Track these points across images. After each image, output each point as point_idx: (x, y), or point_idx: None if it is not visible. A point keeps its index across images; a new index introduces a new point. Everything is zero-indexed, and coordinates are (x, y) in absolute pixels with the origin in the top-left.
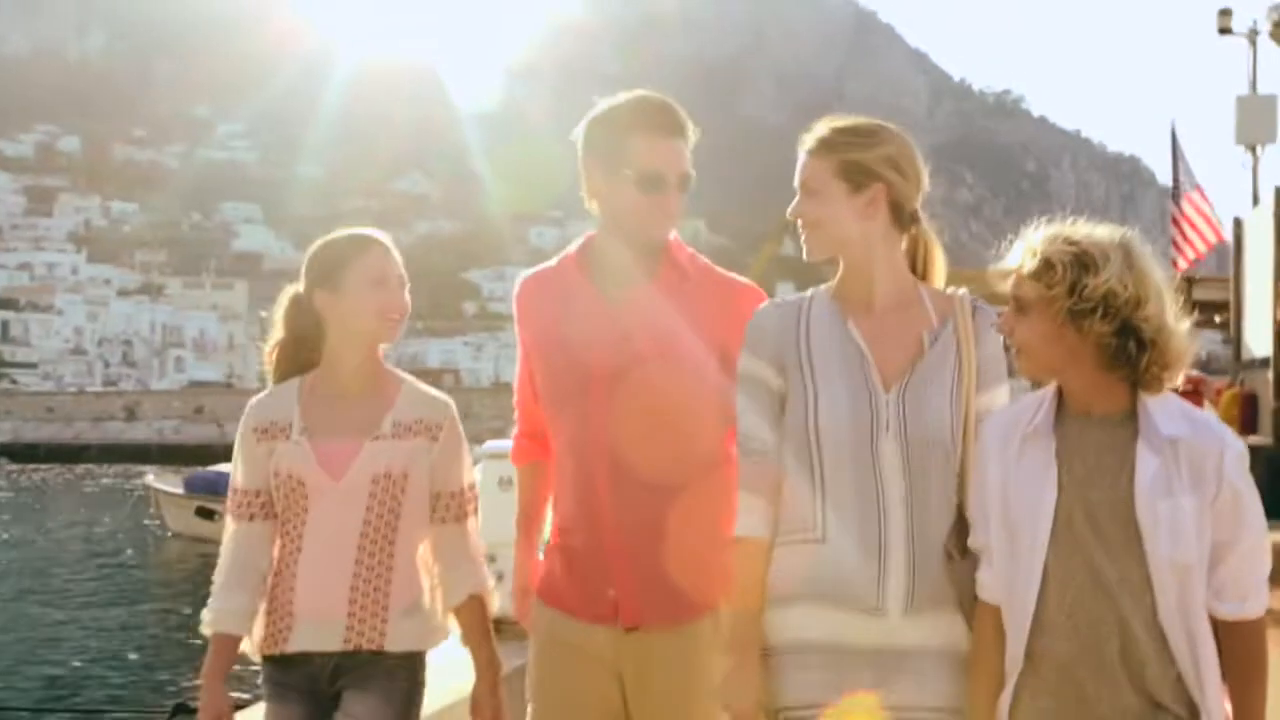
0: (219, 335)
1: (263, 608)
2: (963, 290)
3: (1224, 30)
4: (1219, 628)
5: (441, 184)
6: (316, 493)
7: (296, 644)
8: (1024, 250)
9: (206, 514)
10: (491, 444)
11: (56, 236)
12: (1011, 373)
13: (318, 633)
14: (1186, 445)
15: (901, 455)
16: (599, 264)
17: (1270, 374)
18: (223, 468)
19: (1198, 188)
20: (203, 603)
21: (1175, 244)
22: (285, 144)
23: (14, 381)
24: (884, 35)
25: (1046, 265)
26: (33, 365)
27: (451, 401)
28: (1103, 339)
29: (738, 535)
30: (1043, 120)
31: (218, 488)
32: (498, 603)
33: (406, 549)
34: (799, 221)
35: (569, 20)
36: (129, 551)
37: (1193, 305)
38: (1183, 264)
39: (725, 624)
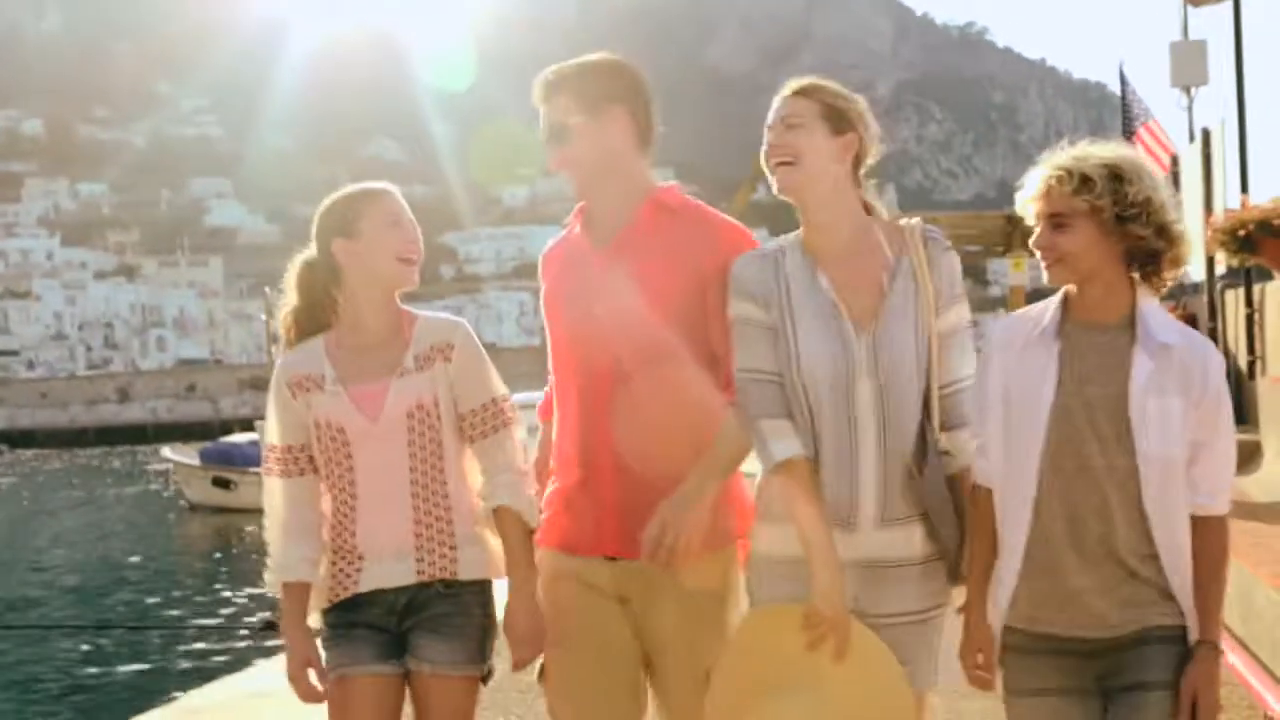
0: (199, 313)
1: (325, 558)
2: (914, 220)
3: None
4: (1191, 522)
5: (409, 149)
6: (358, 437)
7: (368, 583)
8: (1050, 174)
9: (223, 483)
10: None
11: (27, 222)
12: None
13: (388, 569)
14: (1178, 351)
15: (875, 393)
16: (589, 217)
17: (1204, 298)
18: (235, 439)
19: (1154, 120)
20: (245, 543)
21: None
22: (247, 116)
23: None
24: None
25: (1085, 180)
26: (15, 352)
27: (464, 322)
28: (1141, 240)
29: (778, 460)
30: (1008, 51)
31: (232, 458)
32: (534, 515)
33: (457, 476)
34: (772, 160)
35: None
36: (170, 515)
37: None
38: None
39: (801, 540)
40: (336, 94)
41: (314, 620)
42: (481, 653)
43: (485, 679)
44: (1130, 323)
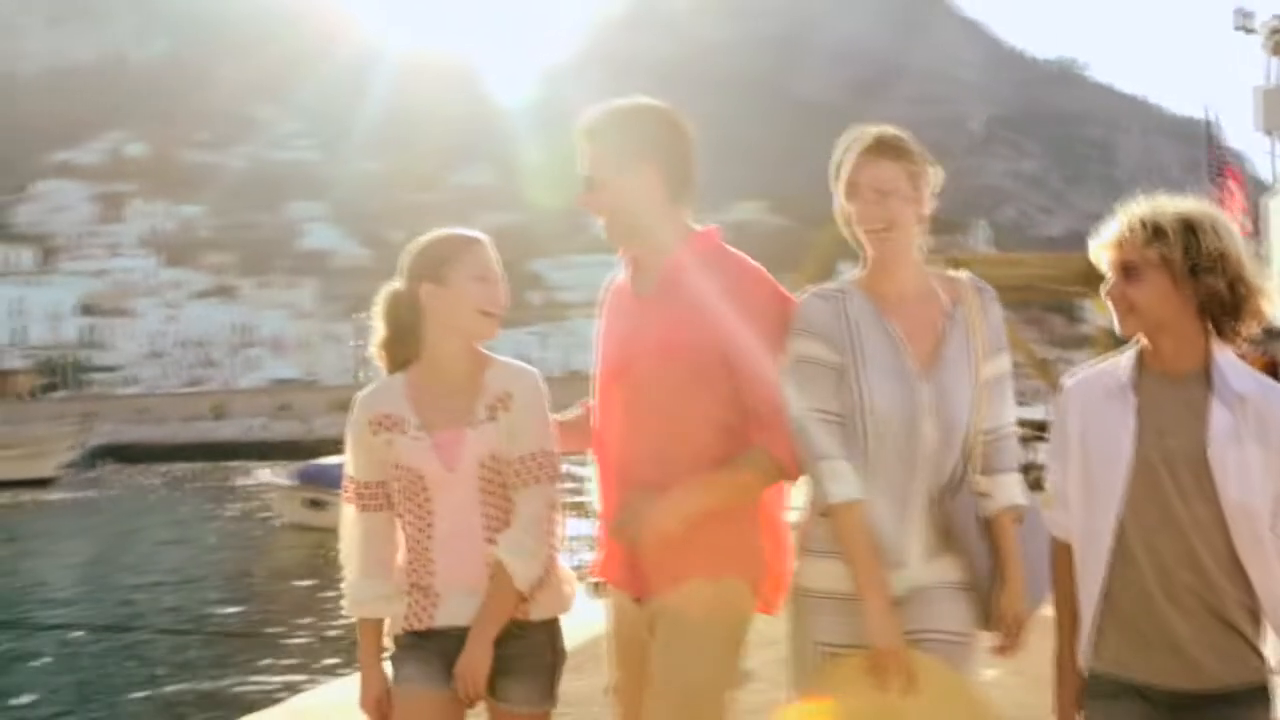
0: (292, 333)
1: (403, 588)
2: (964, 272)
3: (1245, 28)
4: None
5: (498, 175)
6: (436, 483)
7: (444, 619)
8: (1124, 224)
9: (316, 504)
10: None
11: (129, 242)
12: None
13: (463, 606)
14: (1254, 401)
15: (935, 435)
16: (634, 260)
17: None
18: (328, 461)
19: (1238, 166)
20: (337, 561)
21: None
22: (341, 140)
23: (89, 386)
24: (937, 6)
25: (1158, 230)
26: (114, 369)
27: (532, 372)
28: (1214, 293)
29: (834, 503)
30: (1104, 87)
31: (325, 480)
32: (527, 579)
33: None
34: (865, 227)
35: (613, 12)
36: (261, 532)
37: None
38: None
39: (857, 581)
40: (428, 120)
41: (389, 642)
42: (551, 691)
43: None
44: (1206, 373)
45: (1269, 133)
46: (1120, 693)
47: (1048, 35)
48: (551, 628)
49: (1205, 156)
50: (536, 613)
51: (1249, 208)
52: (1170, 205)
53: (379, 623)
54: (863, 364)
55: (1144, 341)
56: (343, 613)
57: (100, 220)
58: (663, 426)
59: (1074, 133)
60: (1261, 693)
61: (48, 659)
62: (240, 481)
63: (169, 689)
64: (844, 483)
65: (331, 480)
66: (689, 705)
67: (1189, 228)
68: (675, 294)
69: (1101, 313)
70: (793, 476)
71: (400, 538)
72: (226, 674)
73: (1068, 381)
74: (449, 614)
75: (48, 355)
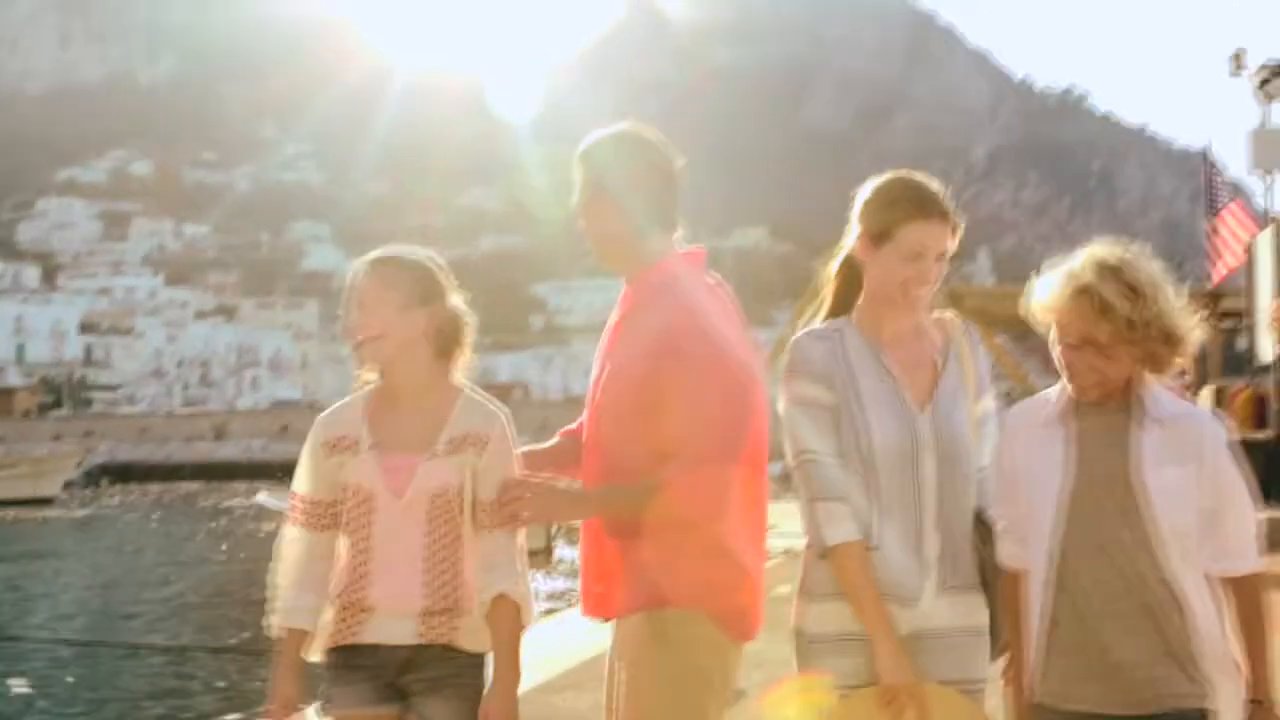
0: (293, 354)
1: (336, 602)
2: (950, 313)
3: (1237, 70)
4: (1223, 585)
5: (503, 199)
6: (383, 506)
7: (371, 636)
8: (1088, 296)
9: None
10: None
11: (132, 260)
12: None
13: (392, 626)
14: (1176, 424)
15: (937, 468)
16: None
17: (1272, 379)
18: None
19: (1240, 200)
20: None
21: (1208, 255)
22: (347, 162)
23: (89, 404)
24: (943, 37)
25: (1105, 308)
26: (115, 387)
27: (503, 413)
28: (1155, 350)
29: (832, 544)
30: (1107, 117)
31: None
32: (531, 613)
33: (473, 557)
34: (922, 291)
35: (621, 34)
36: (257, 554)
37: (1220, 315)
38: (1224, 269)
39: (863, 620)
40: (434, 143)
41: (316, 656)
42: (474, 716)
43: None
44: (1129, 402)
45: (1261, 172)
46: None
47: (1051, 65)
48: (479, 661)
49: (1204, 189)
50: (466, 641)
51: (1250, 236)
52: (1121, 274)
53: (302, 636)
54: (860, 402)
55: (1076, 397)
56: (267, 625)
57: (104, 238)
58: (610, 454)
59: (1076, 163)
60: (1196, 716)
61: (43, 674)
62: (239, 502)
63: (166, 705)
64: (840, 524)
65: None
66: None
67: (1134, 292)
68: (631, 324)
69: None
70: (690, 515)
71: (340, 555)
72: (221, 691)
73: (1007, 416)
74: (377, 631)
75: (49, 373)
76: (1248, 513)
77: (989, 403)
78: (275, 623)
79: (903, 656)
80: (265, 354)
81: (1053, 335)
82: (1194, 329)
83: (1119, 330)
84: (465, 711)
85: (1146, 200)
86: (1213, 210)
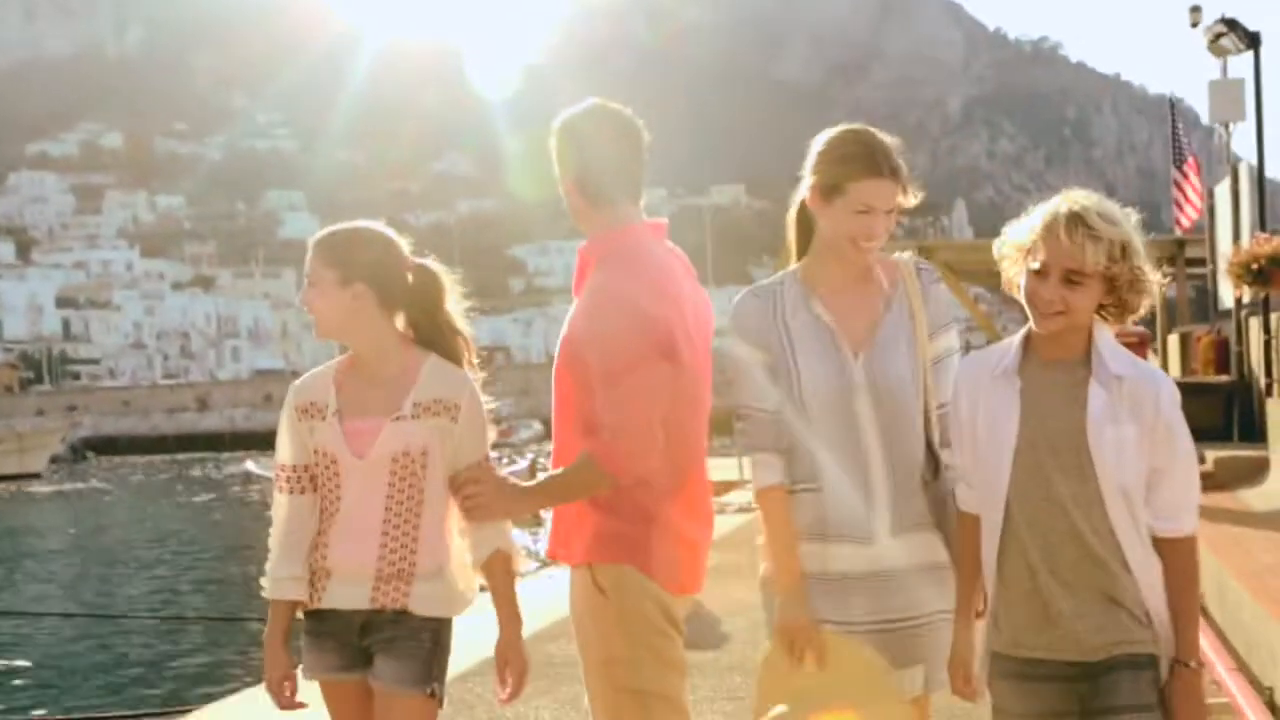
0: (272, 324)
1: (307, 568)
2: (906, 254)
3: (1195, 25)
4: (1158, 545)
5: (477, 162)
6: (346, 469)
7: (329, 601)
8: (1076, 229)
9: None
10: None
11: (107, 233)
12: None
13: (347, 592)
14: (1130, 383)
15: (874, 409)
16: None
17: (1233, 323)
18: None
19: (1194, 157)
20: None
21: (1177, 204)
22: (319, 129)
23: (76, 378)
24: None
25: (1113, 245)
26: (95, 361)
27: (470, 378)
28: (1121, 292)
29: (759, 489)
30: (1081, 66)
31: None
32: (523, 563)
33: (433, 519)
34: (868, 244)
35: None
36: (251, 520)
37: (1186, 263)
38: (1186, 221)
39: (771, 562)
40: (406, 108)
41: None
42: (427, 676)
43: (437, 699)
44: (1087, 357)
45: (1221, 124)
46: (1022, 671)
47: (1024, 15)
48: (436, 623)
49: (1170, 139)
50: (417, 606)
51: (1205, 195)
52: (1112, 215)
53: (291, 605)
54: (792, 350)
55: (1038, 330)
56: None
57: (78, 212)
58: (559, 424)
59: (1051, 112)
60: (1148, 660)
61: (32, 644)
62: (225, 471)
63: (152, 673)
64: (762, 471)
65: None
66: (607, 677)
67: (1125, 240)
68: (581, 296)
69: None
70: (622, 482)
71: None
72: (209, 658)
73: (959, 366)
74: (334, 596)
75: (27, 349)
76: (1192, 478)
77: (949, 341)
78: (266, 593)
79: (799, 601)
80: (245, 324)
81: (1013, 273)
82: (1156, 282)
83: (1102, 258)
84: (415, 669)
85: (1121, 147)
86: (1180, 160)
